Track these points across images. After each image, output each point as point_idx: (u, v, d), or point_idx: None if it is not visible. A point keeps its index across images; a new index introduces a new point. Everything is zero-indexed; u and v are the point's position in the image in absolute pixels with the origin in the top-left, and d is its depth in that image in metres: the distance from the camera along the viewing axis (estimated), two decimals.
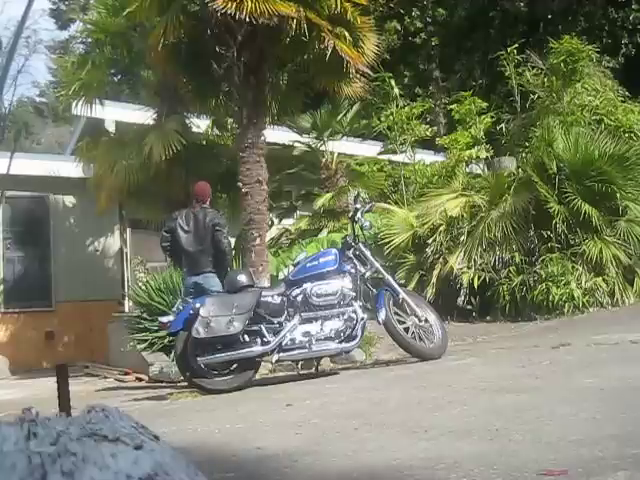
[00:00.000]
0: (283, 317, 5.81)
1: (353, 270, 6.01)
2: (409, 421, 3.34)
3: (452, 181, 9.96)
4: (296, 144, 12.28)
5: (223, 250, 6.61)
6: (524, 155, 10.23)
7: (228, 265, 6.73)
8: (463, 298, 8.94)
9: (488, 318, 8.71)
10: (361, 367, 6.40)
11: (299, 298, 5.82)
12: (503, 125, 11.36)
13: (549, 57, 11.20)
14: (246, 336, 5.69)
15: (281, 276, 8.09)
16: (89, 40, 12.24)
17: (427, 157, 12.24)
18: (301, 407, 4.21)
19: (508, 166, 9.92)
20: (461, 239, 9.10)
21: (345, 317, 5.80)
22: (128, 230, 12.15)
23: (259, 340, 5.69)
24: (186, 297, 6.55)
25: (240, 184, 8.02)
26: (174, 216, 6.81)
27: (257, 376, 5.98)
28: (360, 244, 6.18)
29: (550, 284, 8.12)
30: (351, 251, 6.12)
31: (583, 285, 8.17)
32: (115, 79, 12.80)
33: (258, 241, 7.96)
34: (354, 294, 5.88)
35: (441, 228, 9.25)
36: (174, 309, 6.13)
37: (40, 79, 51.51)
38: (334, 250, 6.27)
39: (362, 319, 5.79)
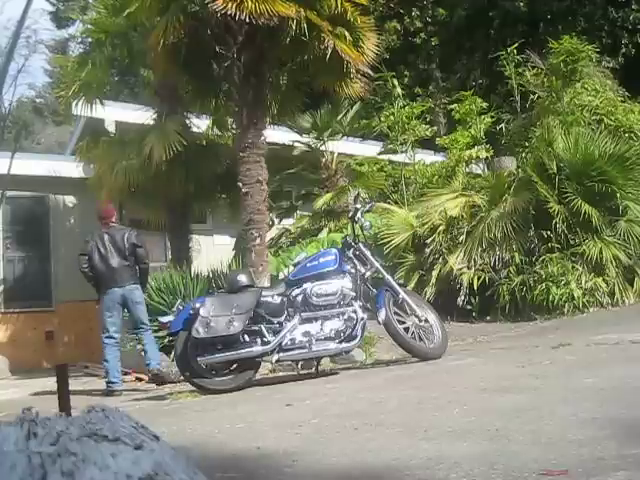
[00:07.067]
0: (283, 317, 5.81)
1: (353, 270, 6.00)
2: (409, 421, 3.34)
3: (452, 181, 9.96)
4: (296, 144, 12.29)
5: (146, 264, 7.28)
6: (524, 155, 10.22)
7: (147, 274, 7.42)
8: (463, 298, 8.92)
9: (488, 318, 8.70)
10: (361, 367, 6.39)
11: (299, 298, 5.82)
12: (503, 125, 11.37)
13: (549, 57, 11.20)
14: (246, 336, 5.69)
15: (281, 276, 8.10)
16: (89, 40, 12.23)
17: (427, 157, 12.24)
18: (301, 407, 4.21)
19: (508, 166, 9.90)
20: (461, 239, 9.09)
21: (345, 317, 5.80)
22: None
23: (259, 340, 5.70)
24: (110, 312, 7.09)
25: (240, 184, 8.02)
26: (88, 239, 7.32)
27: (257, 376, 5.98)
28: (360, 244, 6.18)
29: (550, 284, 8.11)
30: (351, 251, 6.12)
31: (583, 285, 8.15)
32: (115, 79, 12.78)
33: (258, 241, 7.96)
34: (354, 294, 5.87)
35: (441, 228, 9.24)
36: (174, 309, 6.14)
37: (40, 79, 51.51)
38: (334, 250, 6.26)
39: (362, 319, 5.79)
